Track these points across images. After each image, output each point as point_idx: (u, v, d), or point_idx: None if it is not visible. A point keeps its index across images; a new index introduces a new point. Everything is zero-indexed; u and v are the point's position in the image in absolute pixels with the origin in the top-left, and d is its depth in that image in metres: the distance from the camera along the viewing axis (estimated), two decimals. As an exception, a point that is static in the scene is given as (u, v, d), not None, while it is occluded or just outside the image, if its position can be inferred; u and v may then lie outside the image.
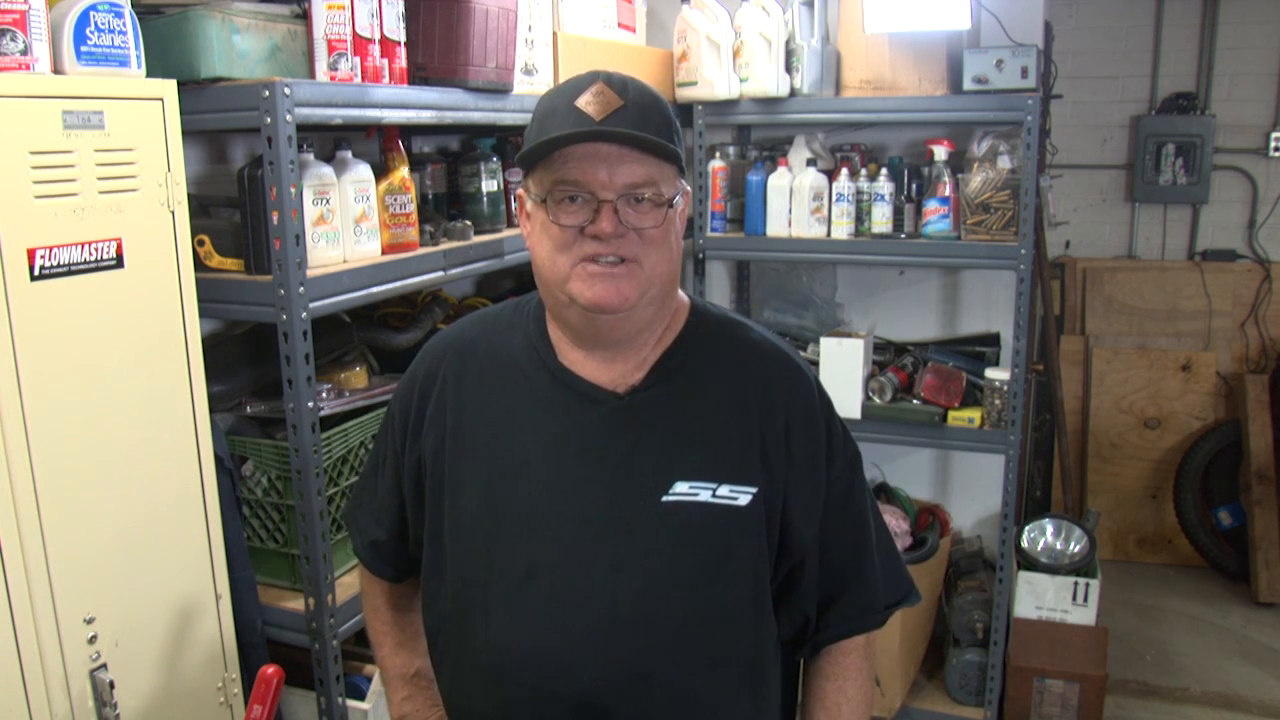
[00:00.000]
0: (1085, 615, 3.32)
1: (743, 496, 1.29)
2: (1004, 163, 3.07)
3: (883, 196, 3.20)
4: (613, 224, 1.21)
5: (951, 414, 3.19)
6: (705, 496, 1.28)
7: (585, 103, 1.21)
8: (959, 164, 3.18)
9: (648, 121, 1.22)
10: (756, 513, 1.30)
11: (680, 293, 1.40)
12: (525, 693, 1.30)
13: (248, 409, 2.18)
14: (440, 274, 2.31)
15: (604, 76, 1.23)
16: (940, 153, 3.17)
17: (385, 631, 1.56)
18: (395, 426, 1.46)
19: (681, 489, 1.28)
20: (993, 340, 3.50)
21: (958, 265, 3.49)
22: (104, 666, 1.71)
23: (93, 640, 1.70)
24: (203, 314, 1.88)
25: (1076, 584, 3.31)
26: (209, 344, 1.91)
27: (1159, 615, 4.32)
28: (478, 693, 1.36)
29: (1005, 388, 3.11)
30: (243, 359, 2.25)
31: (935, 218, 3.13)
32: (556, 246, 1.24)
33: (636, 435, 1.30)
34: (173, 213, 1.78)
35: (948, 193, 3.12)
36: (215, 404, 2.00)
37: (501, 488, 1.33)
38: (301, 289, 1.92)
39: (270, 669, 1.16)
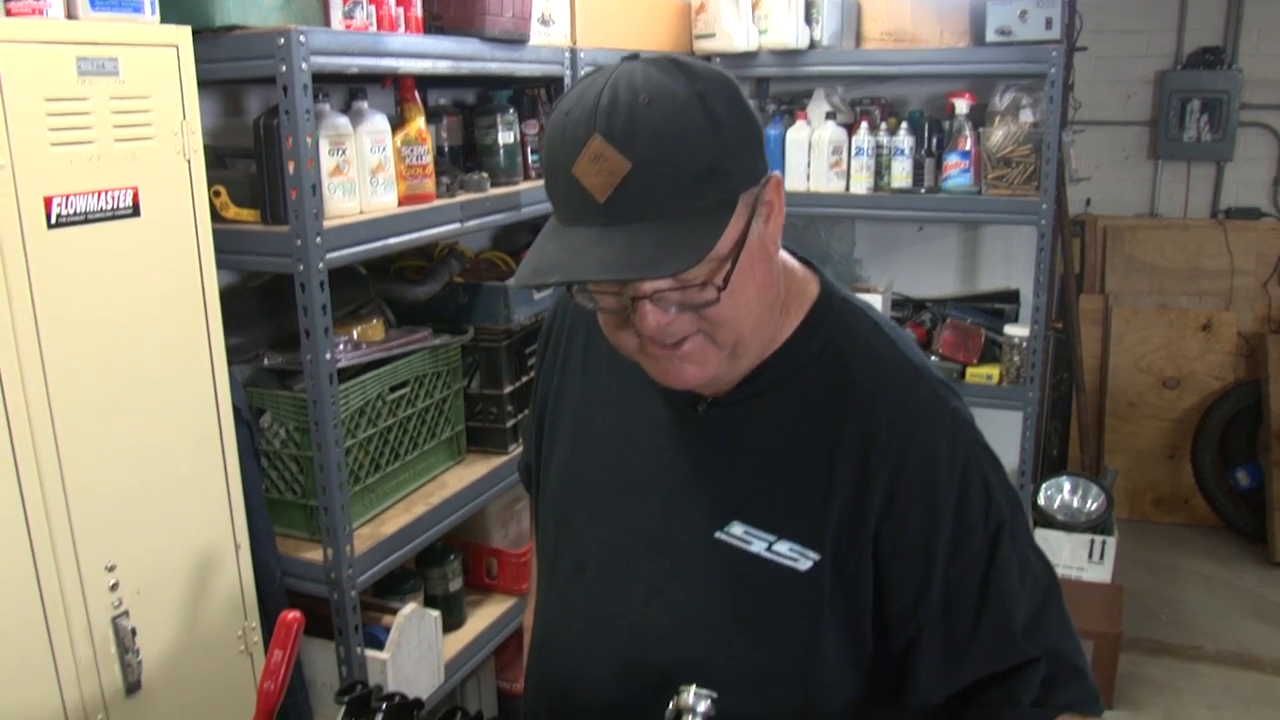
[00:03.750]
0: (1101, 573, 3.33)
1: (804, 560, 1.08)
2: (1026, 116, 3.04)
3: (902, 151, 3.17)
4: (657, 318, 0.99)
5: (970, 370, 3.18)
6: (759, 548, 1.10)
7: (583, 172, 0.94)
8: (980, 118, 3.14)
9: (673, 182, 0.93)
10: (819, 582, 1.08)
11: (807, 274, 1.16)
12: (553, 682, 1.26)
13: (265, 361, 2.18)
14: (457, 226, 2.30)
15: (602, 126, 0.93)
16: (961, 106, 3.14)
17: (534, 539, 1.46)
18: (538, 355, 1.35)
19: (737, 531, 1.11)
20: (1012, 297, 3.49)
21: (978, 220, 3.47)
22: (126, 614, 1.73)
23: (114, 588, 1.71)
24: (219, 265, 1.87)
25: (1093, 541, 3.32)
26: (225, 297, 1.91)
27: (1174, 575, 4.32)
28: (531, 660, 1.34)
29: (1024, 344, 3.10)
30: (259, 312, 2.24)
31: (956, 172, 3.09)
32: (610, 326, 1.06)
33: (705, 456, 1.14)
34: (189, 161, 1.77)
35: (969, 147, 3.09)
36: (232, 356, 1.99)
37: (577, 471, 1.24)
38: (318, 239, 1.91)
39: (290, 614, 1.16)
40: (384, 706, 1.11)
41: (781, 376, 1.12)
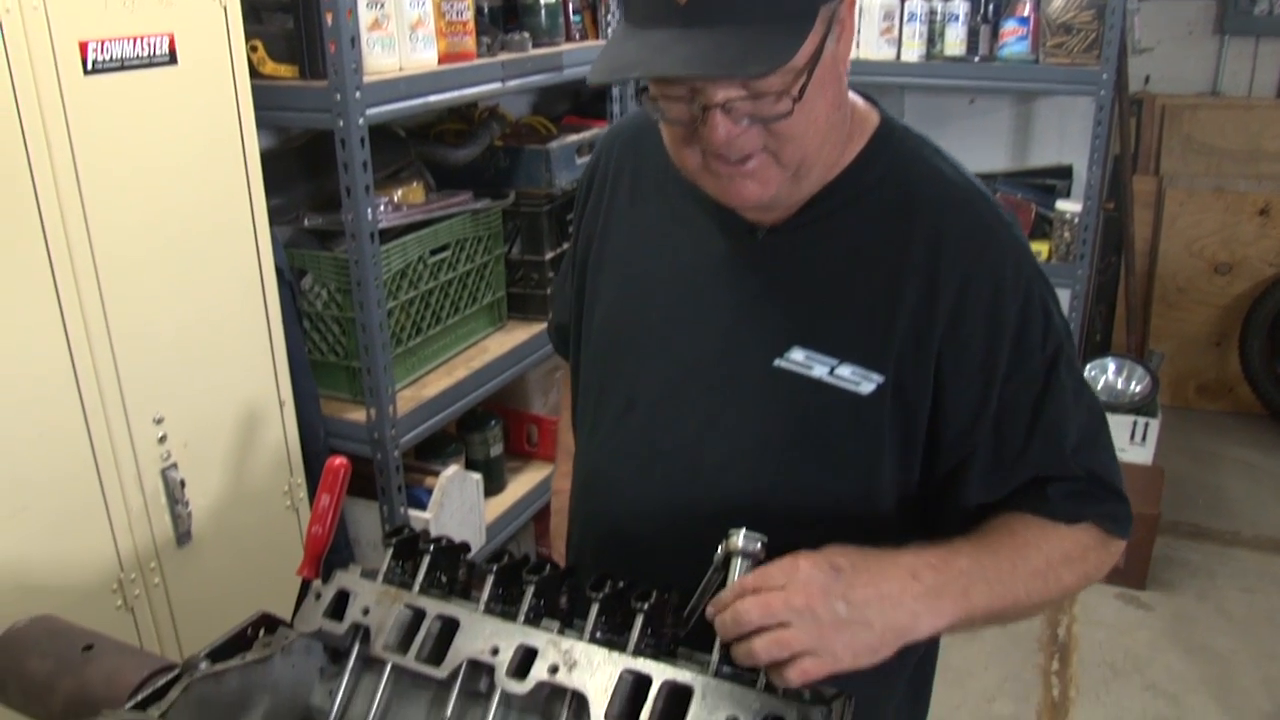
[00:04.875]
0: (1142, 454, 3.31)
1: (866, 383, 1.07)
2: (1091, -20, 2.90)
3: (956, 17, 3.04)
4: (727, 129, 0.96)
5: (1018, 247, 3.11)
6: (820, 373, 1.09)
7: None
8: (1041, -19, 3.00)
9: None
10: (881, 405, 1.08)
11: (867, 106, 1.15)
12: (602, 519, 1.25)
13: (305, 222, 2.16)
14: (498, 85, 2.24)
15: None
16: (1022, -31, 2.99)
17: (566, 406, 1.46)
18: (576, 210, 1.34)
19: (797, 357, 1.09)
20: (1064, 173, 3.39)
21: (1034, 90, 3.35)
22: (174, 466, 1.75)
23: (162, 440, 1.73)
24: (259, 123, 1.84)
25: (1136, 423, 3.28)
26: (265, 159, 1.88)
27: (1215, 461, 4.28)
28: (577, 500, 1.34)
29: (1076, 220, 3.02)
30: (299, 173, 2.22)
31: (1013, 39, 2.97)
32: (674, 140, 1.03)
33: (764, 283, 1.12)
34: (224, 8, 1.72)
35: (1027, 12, 2.96)
36: (273, 218, 1.97)
37: (625, 310, 1.22)
38: (358, 94, 1.87)
39: (337, 459, 1.15)
40: (431, 548, 1.11)
41: (843, 201, 1.10)
